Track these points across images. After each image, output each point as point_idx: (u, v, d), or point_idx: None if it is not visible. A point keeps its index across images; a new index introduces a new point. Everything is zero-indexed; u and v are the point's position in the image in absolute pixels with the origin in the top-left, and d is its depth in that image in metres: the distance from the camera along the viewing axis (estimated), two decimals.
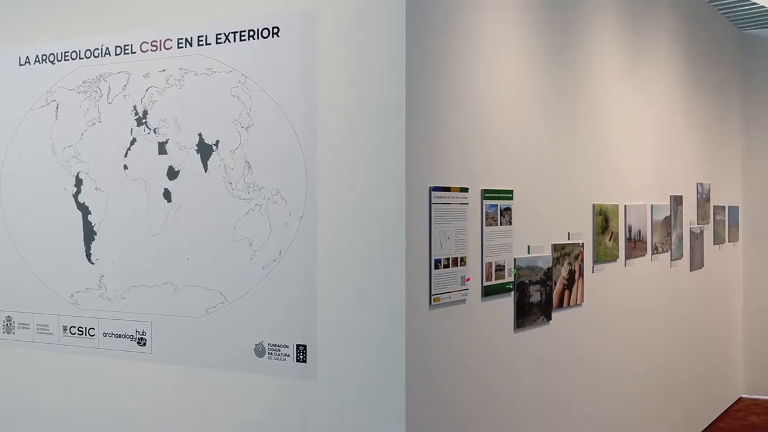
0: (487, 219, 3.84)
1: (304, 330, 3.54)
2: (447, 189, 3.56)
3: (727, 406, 7.72)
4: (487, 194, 3.85)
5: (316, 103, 3.53)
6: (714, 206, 7.31)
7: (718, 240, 7.42)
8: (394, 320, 3.33)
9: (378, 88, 3.39)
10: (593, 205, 4.93)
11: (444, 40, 3.59)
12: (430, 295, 3.44)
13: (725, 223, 7.65)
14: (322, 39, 3.52)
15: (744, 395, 8.18)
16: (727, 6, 10.11)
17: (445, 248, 3.53)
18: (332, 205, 3.49)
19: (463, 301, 3.67)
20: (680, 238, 6.41)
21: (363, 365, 3.41)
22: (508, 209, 4.01)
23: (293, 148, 3.58)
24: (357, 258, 3.42)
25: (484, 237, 3.82)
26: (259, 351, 3.65)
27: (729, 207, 7.77)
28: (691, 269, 6.69)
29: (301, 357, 3.56)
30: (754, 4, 9.65)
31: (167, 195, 3.89)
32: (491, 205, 3.88)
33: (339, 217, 3.47)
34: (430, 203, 3.45)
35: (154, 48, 3.93)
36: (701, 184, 6.94)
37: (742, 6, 10.17)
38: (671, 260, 6.21)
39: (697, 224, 6.84)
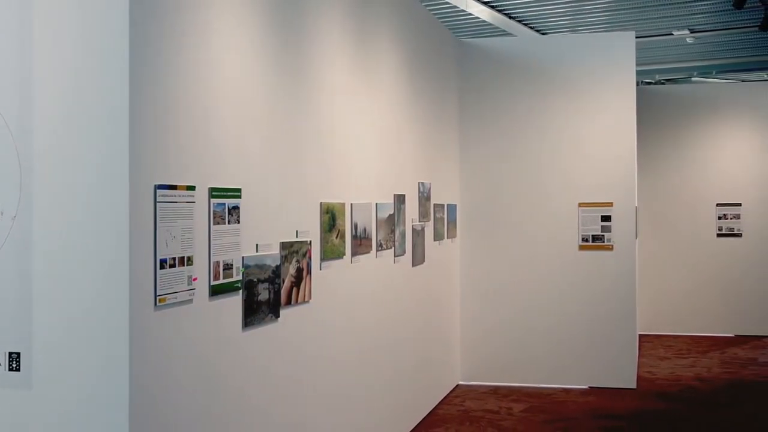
0: (214, 218, 3.81)
1: (18, 337, 3.33)
2: (173, 187, 3.49)
3: (446, 394, 8.18)
4: (215, 193, 3.82)
5: (32, 96, 3.33)
6: (434, 204, 7.72)
7: (438, 236, 7.84)
8: (117, 322, 3.21)
9: (99, 82, 3.25)
10: (320, 203, 5.04)
11: (170, 34, 3.51)
12: (155, 295, 3.36)
13: (444, 220, 8.10)
14: (38, 26, 3.33)
15: (461, 382, 8.71)
16: (446, 15, 10.69)
17: (171, 247, 3.46)
18: (50, 204, 3.31)
19: (190, 300, 3.62)
20: (403, 235, 6.71)
21: (84, 371, 3.26)
22: (236, 208, 4.00)
23: (5, 143, 3.35)
24: (77, 259, 3.27)
25: (211, 236, 3.79)
26: None
27: (448, 205, 8.24)
28: (414, 264, 7.02)
29: (15, 365, 3.34)
30: (470, 14, 10.28)
31: None
32: (219, 204, 3.85)
33: (57, 217, 3.30)
34: (155, 202, 3.37)
35: None
36: (423, 183, 7.29)
37: (459, 16, 10.79)
38: (395, 256, 6.48)
39: (419, 222, 7.18)
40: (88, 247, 3.26)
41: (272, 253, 4.37)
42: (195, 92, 3.70)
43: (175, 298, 3.50)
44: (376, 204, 6.03)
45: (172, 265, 3.47)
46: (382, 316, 6.21)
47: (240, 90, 4.10)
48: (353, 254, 5.56)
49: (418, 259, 7.13)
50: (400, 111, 6.70)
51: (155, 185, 3.37)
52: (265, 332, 4.32)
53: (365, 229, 5.78)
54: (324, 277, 5.07)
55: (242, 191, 4.06)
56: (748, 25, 11.57)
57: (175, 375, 3.52)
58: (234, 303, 4.01)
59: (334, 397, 5.25)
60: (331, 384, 5.19)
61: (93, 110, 3.26)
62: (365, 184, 5.84)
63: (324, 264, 5.08)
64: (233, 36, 4.05)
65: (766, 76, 16.33)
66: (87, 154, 3.26)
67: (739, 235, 11.70)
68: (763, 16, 10.41)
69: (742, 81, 15.56)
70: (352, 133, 5.60)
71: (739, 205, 11.70)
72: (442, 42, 8.16)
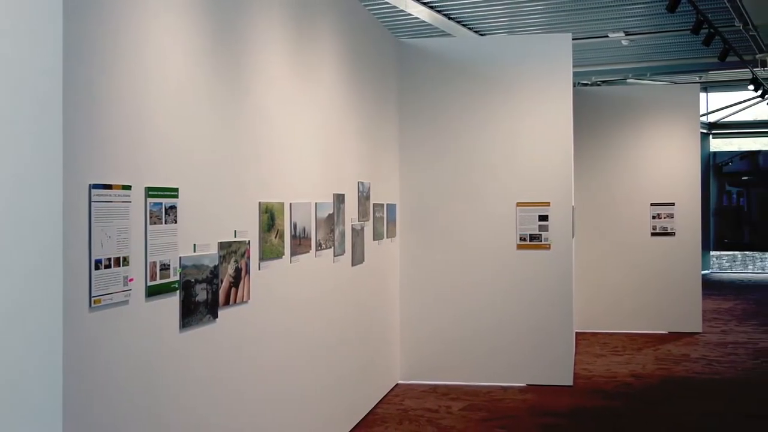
0: (151, 217, 3.76)
1: None
2: (108, 186, 3.43)
3: (385, 393, 8.19)
4: (151, 192, 3.77)
5: None
6: (374, 204, 7.72)
7: (377, 236, 7.84)
8: (50, 324, 3.15)
9: (32, 79, 3.19)
10: (259, 203, 5.00)
11: (105, 32, 3.45)
12: (90, 296, 3.30)
13: (384, 220, 8.11)
14: None
15: (400, 381, 8.73)
16: (385, 15, 10.71)
17: (106, 248, 3.40)
18: None
19: (126, 302, 3.56)
20: (343, 235, 6.70)
21: (15, 375, 3.19)
22: (173, 207, 3.95)
23: None
24: (9, 259, 3.19)
25: (148, 236, 3.73)
26: None
27: (387, 205, 8.25)
28: (353, 264, 7.01)
29: None
30: (410, 15, 10.32)
31: None
32: (156, 203, 3.80)
33: None
34: (90, 201, 3.31)
35: None
36: (362, 183, 7.29)
37: (398, 16, 10.82)
38: (334, 256, 6.47)
39: (359, 221, 7.18)
40: (21, 247, 3.19)
41: (210, 253, 4.33)
42: (131, 90, 3.64)
43: (111, 299, 3.44)
44: (316, 203, 6.01)
45: (108, 266, 3.42)
46: (322, 315, 6.19)
47: (177, 88, 4.05)
48: (292, 254, 5.54)
49: (357, 258, 7.13)
50: (340, 110, 6.69)
51: (90, 185, 3.31)
52: (203, 333, 4.27)
53: (304, 229, 5.76)
54: (263, 277, 5.03)
55: (179, 191, 4.01)
56: (681, 28, 11.84)
57: (111, 377, 3.46)
58: (171, 304, 3.96)
59: (274, 397, 5.22)
60: (270, 384, 5.16)
61: (26, 109, 3.19)
62: (304, 183, 5.82)
63: (263, 264, 5.05)
64: (170, 35, 4.00)
65: (697, 78, 16.72)
66: (20, 153, 3.19)
67: (672, 234, 11.93)
68: (695, 19, 10.65)
69: (675, 83, 15.91)
70: (291, 132, 5.57)
71: (673, 204, 11.93)
72: (381, 42, 8.16)
